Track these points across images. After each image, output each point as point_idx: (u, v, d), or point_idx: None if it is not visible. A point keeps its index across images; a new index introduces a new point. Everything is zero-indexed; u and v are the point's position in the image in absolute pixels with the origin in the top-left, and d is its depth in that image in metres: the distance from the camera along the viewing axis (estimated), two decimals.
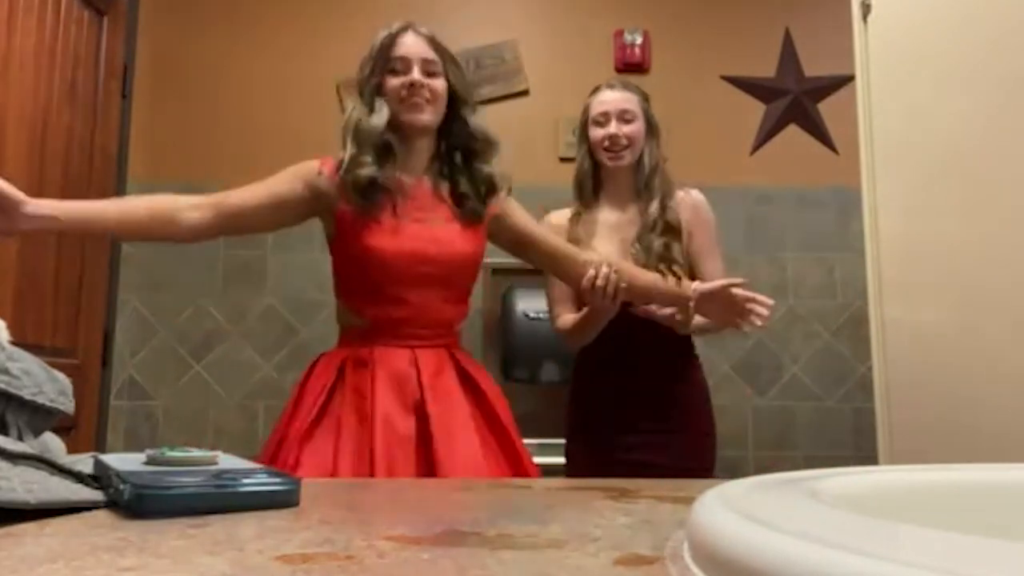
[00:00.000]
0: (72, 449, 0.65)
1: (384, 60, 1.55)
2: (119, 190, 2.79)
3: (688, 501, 0.37)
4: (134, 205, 1.43)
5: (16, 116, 2.17)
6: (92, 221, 1.37)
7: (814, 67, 3.14)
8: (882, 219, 1.48)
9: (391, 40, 1.57)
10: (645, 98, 1.94)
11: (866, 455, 2.60)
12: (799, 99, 3.14)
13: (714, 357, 3.00)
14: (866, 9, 1.54)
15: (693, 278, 1.72)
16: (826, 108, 3.13)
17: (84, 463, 0.60)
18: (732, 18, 3.18)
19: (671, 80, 3.14)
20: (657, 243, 1.79)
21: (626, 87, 1.94)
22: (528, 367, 2.80)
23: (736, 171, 3.09)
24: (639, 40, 3.13)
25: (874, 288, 1.50)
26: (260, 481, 0.55)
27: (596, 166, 1.92)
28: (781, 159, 3.11)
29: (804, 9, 3.17)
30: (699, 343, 1.98)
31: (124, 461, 0.58)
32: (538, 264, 1.65)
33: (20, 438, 0.57)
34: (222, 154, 3.05)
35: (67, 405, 0.62)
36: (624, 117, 1.87)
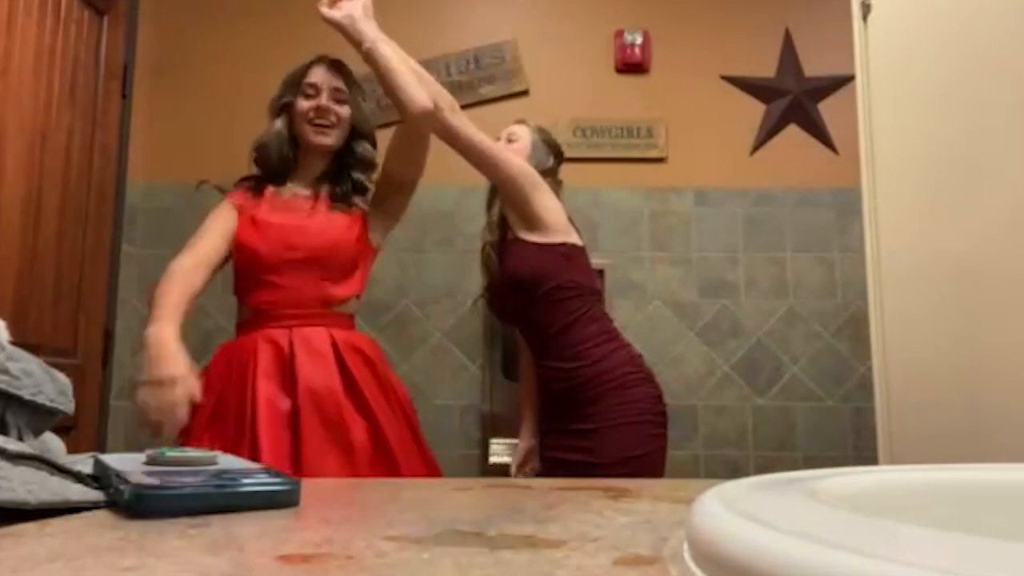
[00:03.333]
0: (72, 449, 0.65)
1: (296, 85, 1.81)
2: (119, 190, 2.79)
3: (688, 501, 0.37)
4: (181, 296, 1.61)
5: (16, 116, 2.17)
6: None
7: (814, 67, 3.14)
8: (882, 219, 1.48)
9: (304, 68, 1.83)
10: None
11: (866, 455, 2.60)
12: (799, 99, 3.14)
13: (714, 357, 3.01)
14: (866, 9, 1.54)
15: None
16: (826, 108, 3.13)
17: (84, 463, 0.60)
18: (732, 18, 3.18)
19: (671, 80, 3.14)
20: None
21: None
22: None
23: (736, 171, 3.09)
24: (639, 40, 3.13)
25: (874, 288, 1.50)
26: (260, 481, 0.55)
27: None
28: (781, 159, 3.11)
29: (804, 9, 3.17)
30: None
31: (124, 461, 0.58)
32: (396, 170, 1.82)
33: (20, 438, 0.57)
34: (222, 154, 3.04)
35: (67, 405, 0.62)
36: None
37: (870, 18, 1.53)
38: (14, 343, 0.63)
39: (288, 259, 1.63)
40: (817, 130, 3.13)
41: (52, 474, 0.52)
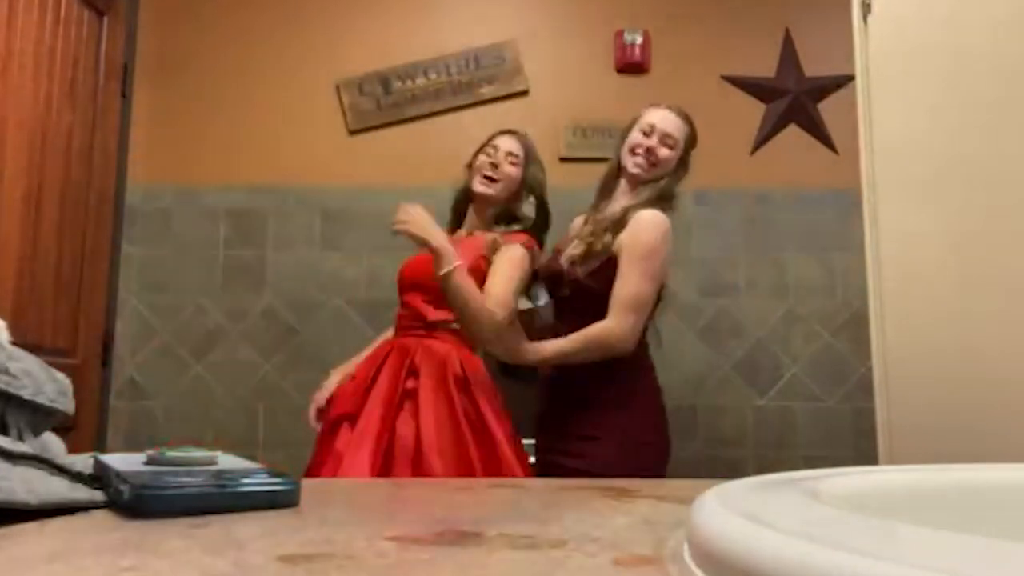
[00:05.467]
0: (72, 449, 0.65)
1: (484, 145, 2.04)
2: (119, 190, 2.79)
3: (688, 501, 0.37)
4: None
5: (16, 116, 2.17)
6: None
7: (814, 67, 3.14)
8: (882, 219, 1.48)
9: (493, 136, 2.06)
10: (692, 138, 2.00)
11: (866, 455, 2.60)
12: (799, 99, 3.14)
13: (714, 357, 3.01)
14: (866, 9, 1.54)
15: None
16: (826, 108, 3.13)
17: (84, 463, 0.60)
18: (732, 18, 3.18)
19: (671, 80, 3.14)
20: (592, 229, 1.90)
21: (682, 116, 2.00)
22: (529, 367, 2.80)
23: (736, 171, 3.08)
24: (639, 40, 3.13)
25: (874, 288, 1.50)
26: (260, 481, 0.55)
27: (620, 168, 2.00)
28: (781, 159, 3.11)
29: (804, 9, 3.17)
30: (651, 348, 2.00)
31: (124, 461, 0.58)
32: None
33: (20, 438, 0.56)
34: (222, 154, 3.05)
35: (67, 405, 0.62)
36: (666, 143, 1.94)
37: (870, 18, 1.53)
38: (14, 343, 0.63)
39: (403, 284, 2.00)
40: (817, 130, 3.13)
41: (52, 474, 0.52)
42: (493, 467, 1.69)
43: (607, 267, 1.83)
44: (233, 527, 0.46)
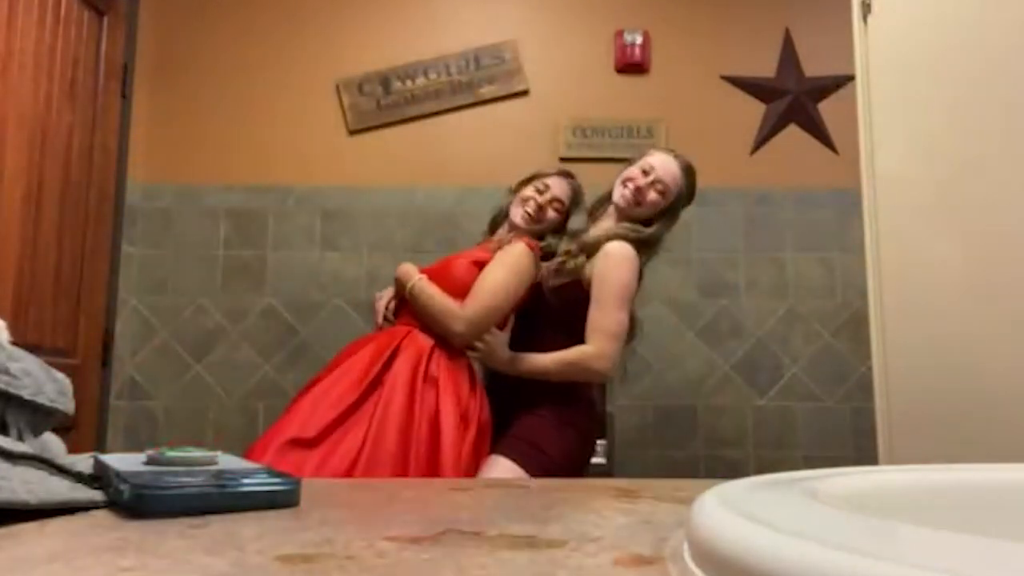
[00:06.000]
0: (72, 449, 0.65)
1: (534, 177, 2.07)
2: (119, 190, 2.79)
3: (688, 501, 0.37)
4: None
5: (16, 116, 2.17)
6: None
7: (814, 67, 3.14)
8: (882, 219, 1.48)
9: (547, 175, 2.08)
10: (690, 185, 2.02)
11: (866, 455, 2.60)
12: (799, 99, 3.14)
13: (714, 357, 3.01)
14: (866, 9, 1.54)
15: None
16: (826, 108, 3.13)
17: (84, 463, 0.60)
18: (732, 18, 3.18)
19: (671, 80, 3.14)
20: (566, 247, 1.96)
21: (684, 169, 2.01)
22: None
23: (736, 171, 3.08)
24: (639, 40, 3.13)
25: (874, 288, 1.50)
26: (260, 481, 0.55)
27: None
28: (781, 159, 3.11)
29: (804, 9, 3.17)
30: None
31: (124, 461, 0.58)
32: None
33: (20, 438, 0.56)
34: (222, 154, 3.05)
35: (67, 405, 0.62)
36: (656, 187, 1.95)
37: (870, 18, 1.53)
38: (14, 343, 0.63)
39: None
40: (817, 130, 3.13)
41: (52, 474, 0.52)
42: (428, 471, 1.66)
43: (572, 288, 1.90)
44: (233, 527, 0.46)
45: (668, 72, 3.14)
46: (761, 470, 0.58)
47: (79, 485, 0.53)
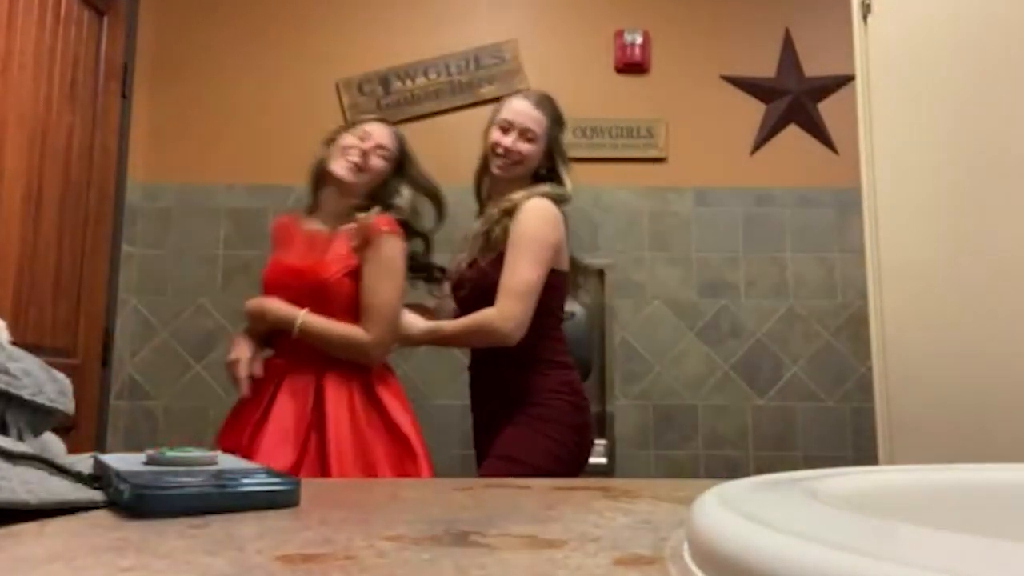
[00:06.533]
0: (72, 449, 0.65)
1: (351, 126, 1.90)
2: (119, 190, 2.79)
3: (688, 501, 0.37)
4: None
5: (16, 116, 2.17)
6: None
7: (814, 67, 3.14)
8: (882, 219, 1.48)
9: (365, 120, 1.93)
10: (557, 121, 1.91)
11: (866, 455, 2.60)
12: (799, 99, 3.14)
13: (714, 357, 3.01)
14: (866, 9, 1.54)
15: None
16: (826, 108, 3.13)
17: (84, 463, 0.60)
18: (732, 18, 3.18)
19: (671, 80, 3.14)
20: (487, 227, 1.83)
21: (540, 105, 1.89)
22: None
23: (736, 171, 3.09)
24: (639, 40, 3.13)
25: (874, 288, 1.50)
26: (260, 481, 0.55)
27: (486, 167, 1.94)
28: (781, 159, 3.11)
29: (804, 9, 3.17)
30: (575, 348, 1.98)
31: (124, 461, 0.58)
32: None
33: (20, 438, 0.56)
34: (222, 154, 3.05)
35: (67, 405, 0.62)
36: (525, 136, 1.85)
37: (870, 18, 1.53)
38: (14, 343, 0.63)
39: (275, 292, 1.87)
40: (817, 130, 3.13)
41: (52, 474, 0.52)
42: (403, 463, 1.64)
43: (503, 259, 1.79)
44: (233, 527, 0.46)
45: (668, 72, 3.14)
46: (761, 470, 0.58)
47: (79, 485, 0.53)
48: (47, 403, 0.59)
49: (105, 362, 2.69)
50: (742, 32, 3.17)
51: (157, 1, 3.05)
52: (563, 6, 3.21)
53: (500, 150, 1.85)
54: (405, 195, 1.86)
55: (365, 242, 1.75)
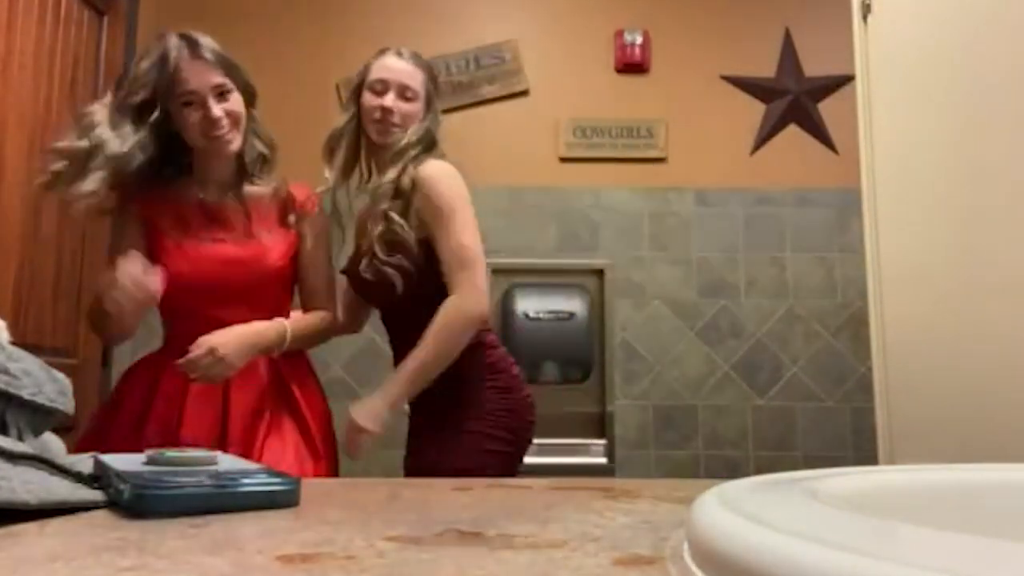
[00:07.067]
0: (72, 449, 0.65)
1: (173, 87, 1.64)
2: None
3: (688, 501, 0.37)
4: None
5: (16, 116, 2.17)
6: None
7: (814, 67, 3.14)
8: (882, 219, 1.48)
9: (177, 69, 1.67)
10: (433, 79, 1.77)
11: (866, 455, 2.60)
12: (799, 99, 3.14)
13: (714, 357, 3.01)
14: (866, 9, 1.54)
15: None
16: (826, 108, 3.13)
17: (84, 463, 0.60)
18: (732, 18, 3.18)
19: (671, 80, 3.14)
20: (382, 208, 1.61)
21: (415, 60, 1.73)
22: (528, 367, 2.80)
23: (736, 171, 3.09)
24: (639, 40, 3.13)
25: (874, 288, 1.51)
26: (260, 481, 0.55)
27: (359, 133, 1.77)
28: (781, 159, 3.11)
29: (804, 9, 3.17)
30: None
31: (124, 461, 0.58)
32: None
33: (20, 438, 0.57)
34: None
35: (67, 405, 0.62)
36: (404, 94, 1.69)
37: (870, 18, 1.53)
38: (14, 343, 0.63)
39: (199, 293, 1.72)
40: (817, 130, 3.13)
41: (52, 474, 0.52)
42: (305, 451, 1.54)
43: (425, 245, 1.59)
44: (233, 527, 0.46)
45: (668, 72, 3.15)
46: (761, 470, 0.58)
47: (79, 485, 0.53)
48: (47, 403, 0.59)
49: (105, 362, 2.69)
50: (742, 32, 3.18)
51: (157, 1, 3.05)
52: (563, 6, 3.21)
53: (377, 114, 1.67)
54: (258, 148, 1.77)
55: (297, 213, 1.66)
